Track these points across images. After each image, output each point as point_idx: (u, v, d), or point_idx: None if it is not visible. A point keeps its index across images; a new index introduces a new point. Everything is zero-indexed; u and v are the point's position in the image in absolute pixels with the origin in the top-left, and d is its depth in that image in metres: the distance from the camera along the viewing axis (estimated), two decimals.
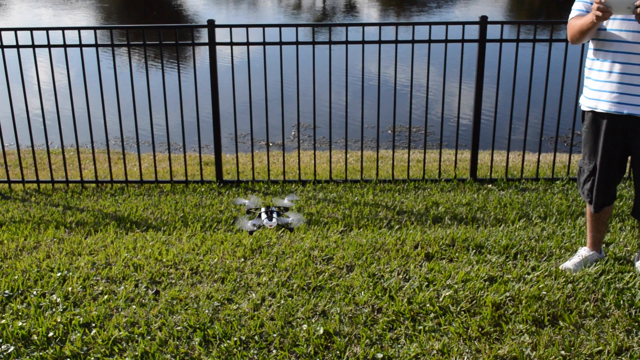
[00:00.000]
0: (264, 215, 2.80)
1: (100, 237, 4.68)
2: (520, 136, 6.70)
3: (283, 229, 2.71)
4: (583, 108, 3.78)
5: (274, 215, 2.80)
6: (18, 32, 5.81)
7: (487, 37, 5.71)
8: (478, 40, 5.72)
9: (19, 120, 6.17)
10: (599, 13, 3.34)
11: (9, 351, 3.10)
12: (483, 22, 5.66)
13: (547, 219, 4.89)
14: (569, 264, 3.88)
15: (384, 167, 6.75)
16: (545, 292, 3.51)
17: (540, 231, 4.53)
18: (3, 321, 3.34)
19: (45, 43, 5.81)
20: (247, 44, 5.78)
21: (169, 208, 5.41)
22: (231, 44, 5.81)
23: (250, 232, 2.68)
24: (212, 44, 5.85)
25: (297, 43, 5.74)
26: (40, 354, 3.08)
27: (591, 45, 3.69)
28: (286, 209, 2.88)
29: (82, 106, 6.01)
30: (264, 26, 5.79)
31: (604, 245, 4.15)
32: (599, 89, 3.62)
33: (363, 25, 5.83)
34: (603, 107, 3.61)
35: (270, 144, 9.05)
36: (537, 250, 4.14)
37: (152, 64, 12.27)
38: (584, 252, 3.95)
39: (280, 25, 5.80)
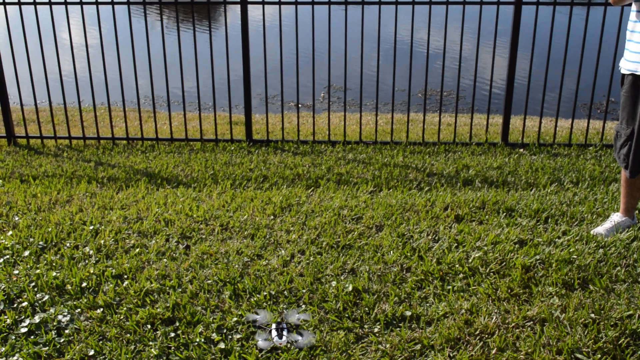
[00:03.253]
0: (274, 333, 2.88)
1: (132, 193, 4.73)
2: (553, 102, 6.60)
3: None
4: (623, 71, 3.69)
5: (284, 332, 2.89)
6: None
7: (523, 0, 5.59)
8: (514, 3, 5.61)
9: (51, 78, 6.21)
10: None
11: (44, 299, 3.16)
12: None
13: (579, 184, 4.83)
14: (601, 229, 3.84)
15: (414, 129, 6.71)
16: (575, 256, 3.48)
17: (572, 196, 4.48)
18: (38, 271, 3.41)
19: (78, 0, 5.82)
20: (279, 2, 5.74)
21: (199, 165, 5.45)
22: (263, 2, 5.77)
23: (260, 350, 2.76)
24: (244, 2, 5.81)
25: (329, 3, 5.68)
26: (74, 302, 3.14)
27: (634, 7, 3.60)
28: (298, 325, 2.95)
29: (114, 64, 6.03)
30: None
31: (637, 211, 4.09)
32: None
33: None
34: None
35: (300, 105, 9.03)
36: (569, 214, 4.10)
37: (183, 22, 12.23)
38: (616, 217, 3.91)
39: None
